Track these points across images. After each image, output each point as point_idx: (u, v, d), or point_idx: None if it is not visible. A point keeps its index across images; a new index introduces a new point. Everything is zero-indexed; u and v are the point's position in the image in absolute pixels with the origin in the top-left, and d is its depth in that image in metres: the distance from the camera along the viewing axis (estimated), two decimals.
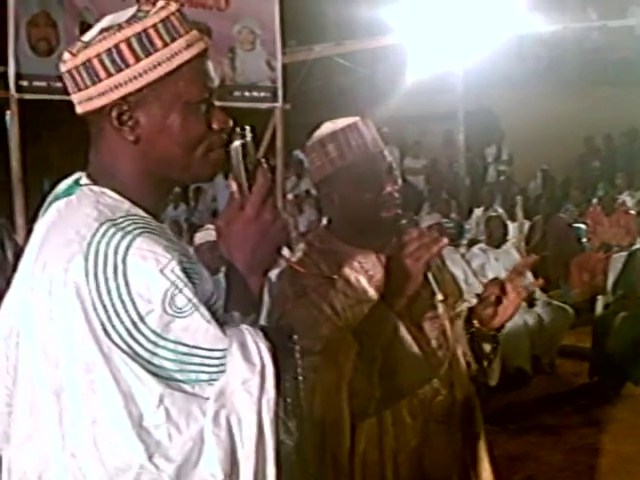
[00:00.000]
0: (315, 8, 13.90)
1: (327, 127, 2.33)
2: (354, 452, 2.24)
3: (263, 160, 1.57)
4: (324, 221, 2.51)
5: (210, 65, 1.58)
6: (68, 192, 1.55)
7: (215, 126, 1.56)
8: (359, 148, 2.27)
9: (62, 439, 1.39)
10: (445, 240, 2.15)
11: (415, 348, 2.28)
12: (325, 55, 12.46)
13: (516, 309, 2.34)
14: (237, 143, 1.54)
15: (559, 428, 6.01)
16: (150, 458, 1.36)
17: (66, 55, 1.52)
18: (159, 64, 1.48)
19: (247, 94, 9.39)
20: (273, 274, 2.34)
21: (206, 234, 5.44)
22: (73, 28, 7.54)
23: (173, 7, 1.52)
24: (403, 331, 2.25)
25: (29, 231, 1.58)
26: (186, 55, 1.50)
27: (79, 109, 1.54)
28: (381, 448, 2.27)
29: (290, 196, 11.53)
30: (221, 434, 1.40)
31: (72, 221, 1.46)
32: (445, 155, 14.85)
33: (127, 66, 1.47)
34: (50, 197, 1.58)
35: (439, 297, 2.22)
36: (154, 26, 1.48)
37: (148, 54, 1.47)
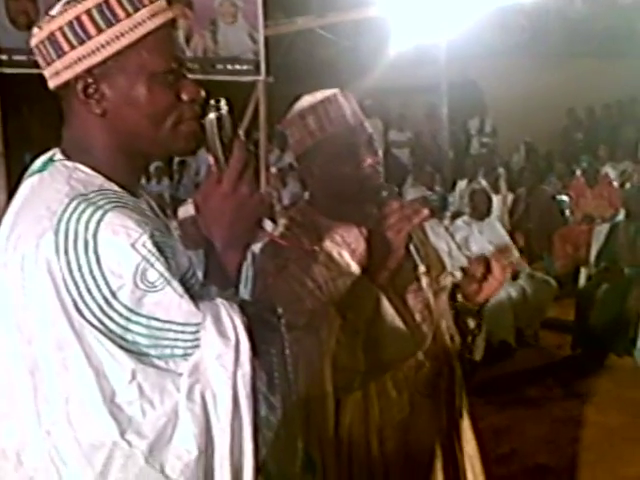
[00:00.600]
0: None
1: (306, 100, 2.32)
2: (339, 426, 2.26)
3: (240, 133, 1.55)
4: (306, 195, 2.51)
5: (180, 35, 1.55)
6: (43, 168, 1.54)
7: (184, 97, 1.54)
8: (339, 120, 2.26)
9: (37, 417, 1.40)
10: (426, 211, 2.16)
11: (398, 321, 2.28)
12: (308, 27, 12.38)
13: (500, 285, 2.37)
14: (211, 116, 1.53)
15: (543, 400, 6.05)
16: (122, 434, 1.36)
17: (35, 29, 1.52)
18: (122, 35, 1.46)
19: (229, 67, 9.35)
20: (256, 247, 2.33)
21: (189, 208, 5.42)
22: (52, 1, 7.47)
23: None
24: (386, 304, 2.25)
25: None
26: (150, 25, 1.48)
27: (50, 84, 1.53)
28: (367, 422, 2.29)
29: (274, 169, 11.50)
30: (195, 409, 1.40)
31: (44, 197, 1.45)
32: (428, 128, 14.84)
33: (89, 38, 1.46)
34: (26, 174, 1.57)
35: (422, 269, 2.22)
36: None
37: (110, 25, 1.46)
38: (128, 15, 1.47)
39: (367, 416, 2.29)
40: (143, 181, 1.74)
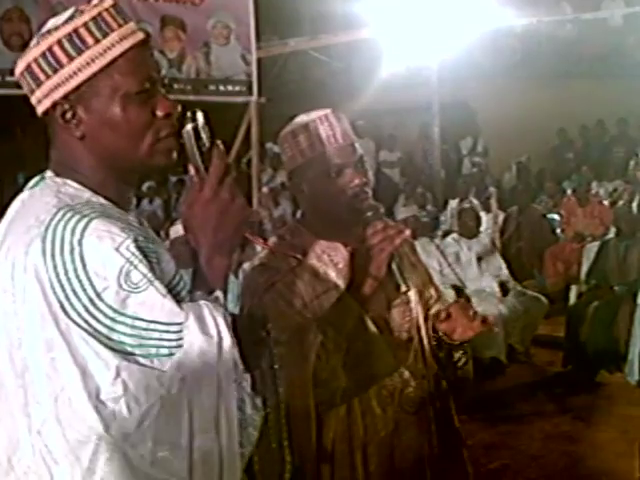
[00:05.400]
0: (290, 2, 13.88)
1: (300, 118, 2.35)
2: (322, 442, 2.27)
3: (219, 142, 1.59)
4: (299, 213, 2.53)
5: (154, 54, 1.62)
6: (34, 186, 1.61)
7: (159, 113, 1.59)
8: (329, 140, 2.29)
9: (28, 418, 1.44)
10: (408, 232, 2.19)
11: (379, 338, 2.30)
12: (300, 49, 12.47)
13: (475, 333, 2.38)
14: (188, 127, 1.57)
15: (534, 416, 6.08)
16: (107, 430, 1.40)
17: (18, 60, 1.58)
18: (92, 60, 1.53)
19: (222, 88, 9.41)
20: (247, 266, 2.37)
21: (181, 228, 5.43)
22: (46, 23, 7.50)
23: (107, 3, 1.56)
24: (367, 321, 2.27)
25: None
26: (119, 49, 1.54)
27: (37, 111, 1.60)
28: (350, 439, 2.30)
29: (266, 189, 11.53)
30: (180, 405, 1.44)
31: (34, 209, 1.51)
32: (420, 148, 14.88)
33: (61, 67, 1.53)
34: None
35: (403, 288, 2.25)
36: (85, 24, 1.53)
37: (80, 52, 1.52)
38: (97, 41, 1.53)
39: (351, 433, 2.30)
40: (134, 202, 1.78)
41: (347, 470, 2.30)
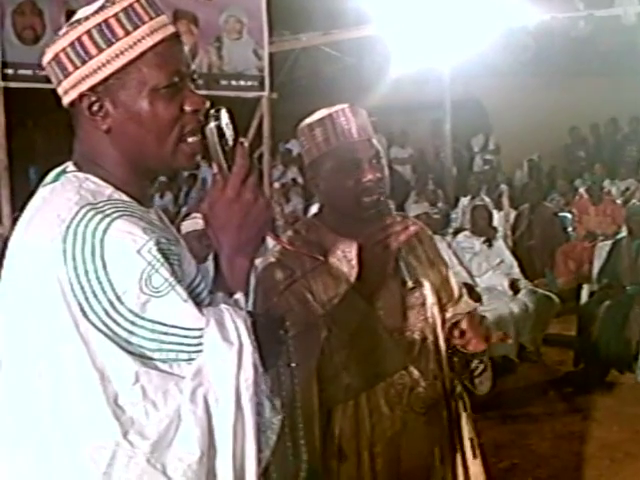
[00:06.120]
0: None
1: (320, 112, 2.34)
2: (329, 437, 2.27)
3: (243, 139, 1.57)
4: (313, 209, 2.52)
5: (184, 48, 1.59)
6: (55, 179, 1.57)
7: (187, 108, 1.56)
8: (344, 134, 2.27)
9: (50, 418, 1.42)
10: (413, 228, 2.17)
11: (387, 335, 2.29)
12: (312, 44, 12.47)
13: (485, 346, 2.40)
14: (211, 124, 1.55)
15: (544, 416, 6.04)
16: (125, 435, 1.38)
17: (46, 50, 1.55)
18: (121, 53, 1.50)
19: (234, 83, 9.40)
20: (259, 262, 2.35)
21: (193, 223, 5.42)
22: (59, 16, 7.52)
23: None
24: (374, 318, 2.26)
25: (15, 219, 1.59)
26: (149, 42, 1.51)
27: (63, 102, 1.57)
28: (358, 437, 2.29)
29: (277, 185, 11.52)
30: (198, 412, 1.42)
31: (54, 205, 1.48)
32: (432, 145, 14.87)
33: (90, 57, 1.49)
34: (40, 187, 1.59)
35: (409, 284, 2.23)
36: (115, 15, 1.50)
37: (110, 44, 1.49)
38: (127, 33, 1.50)
39: (358, 431, 2.29)
40: None
41: (354, 469, 2.29)
